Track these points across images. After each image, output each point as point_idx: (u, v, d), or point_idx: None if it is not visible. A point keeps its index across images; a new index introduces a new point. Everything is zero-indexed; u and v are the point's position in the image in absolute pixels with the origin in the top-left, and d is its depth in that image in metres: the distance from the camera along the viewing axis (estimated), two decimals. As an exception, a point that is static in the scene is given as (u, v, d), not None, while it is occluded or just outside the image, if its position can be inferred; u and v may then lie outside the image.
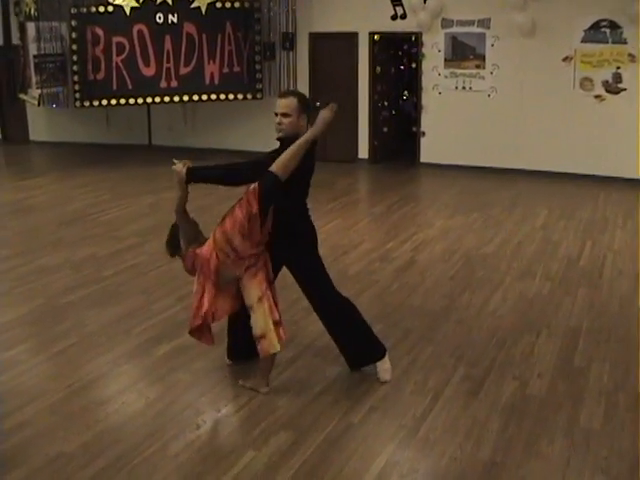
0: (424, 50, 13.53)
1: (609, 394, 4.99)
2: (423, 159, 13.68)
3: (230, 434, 4.58)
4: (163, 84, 13.32)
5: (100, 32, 12.79)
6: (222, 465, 4.20)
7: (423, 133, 13.62)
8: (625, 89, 12.66)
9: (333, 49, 14.05)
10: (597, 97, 12.80)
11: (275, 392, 5.05)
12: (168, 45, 13.19)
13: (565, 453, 4.32)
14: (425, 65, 13.54)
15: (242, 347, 5.34)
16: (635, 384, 5.16)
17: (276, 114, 4.98)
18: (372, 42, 13.73)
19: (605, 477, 4.10)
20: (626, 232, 9.03)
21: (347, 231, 9.15)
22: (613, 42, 12.62)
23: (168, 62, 13.25)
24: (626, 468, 4.18)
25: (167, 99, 13.46)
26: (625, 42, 12.50)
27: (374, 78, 13.86)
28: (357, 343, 5.25)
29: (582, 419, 4.70)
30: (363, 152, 14.13)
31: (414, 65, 13.73)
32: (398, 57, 14.24)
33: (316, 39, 14.08)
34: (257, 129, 14.51)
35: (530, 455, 4.30)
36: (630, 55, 12.54)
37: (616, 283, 7.20)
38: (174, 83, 13.38)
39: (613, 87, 12.79)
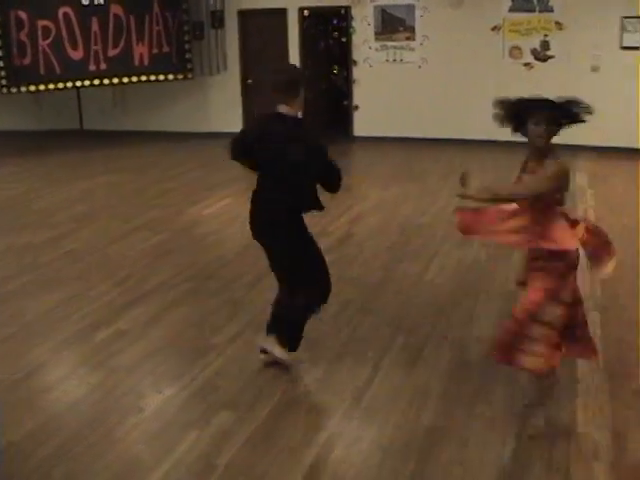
0: (354, 24, 13.55)
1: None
2: (357, 132, 13.74)
3: (173, 416, 4.56)
4: (92, 67, 13.07)
5: (24, 16, 12.45)
6: (165, 447, 4.19)
7: (356, 107, 13.67)
8: (553, 56, 12.85)
9: (263, 26, 13.99)
10: (526, 65, 12.98)
11: (216, 371, 5.05)
12: (95, 27, 12.94)
13: (506, 414, 4.42)
14: (355, 39, 13.56)
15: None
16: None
17: None
18: (302, 17, 13.71)
19: (545, 436, 4.20)
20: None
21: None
22: (540, 11, 12.79)
23: (96, 44, 13.01)
24: (562, 426, 4.31)
25: (97, 82, 13.22)
26: (552, 10, 12.69)
27: (304, 53, 13.84)
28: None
29: (522, 380, 4.76)
30: (297, 128, 14.09)
31: (344, 39, 13.74)
32: (328, 32, 14.23)
33: (245, 16, 14.00)
34: (190, 109, 14.41)
35: (472, 418, 4.39)
36: (557, 23, 12.72)
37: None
38: (103, 66, 13.15)
39: (541, 55, 12.97)
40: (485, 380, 4.81)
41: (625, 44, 12.79)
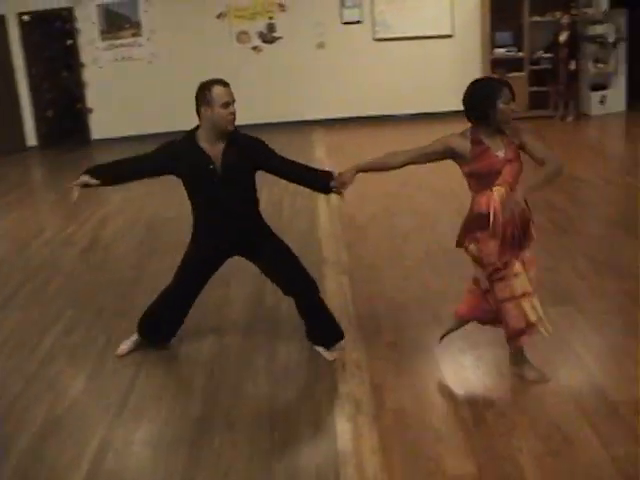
0: (79, 25, 13.20)
1: (302, 324, 5.20)
2: (95, 136, 13.44)
3: None
4: None
5: None
6: None
7: (90, 109, 13.33)
8: (280, 37, 13.20)
9: (-20, 36, 13.28)
10: (255, 48, 13.24)
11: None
12: None
13: (270, 390, 4.50)
14: (82, 40, 13.23)
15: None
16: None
17: (229, 103, 4.42)
18: (22, 23, 13.16)
19: (310, 402, 4.32)
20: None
21: (25, 223, 8.77)
22: (265, -7, 13.10)
23: None
24: (324, 389, 4.44)
25: None
26: (272, -7, 13.06)
27: (29, 61, 13.30)
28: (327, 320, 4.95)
29: (281, 355, 4.90)
30: (32, 139, 13.56)
31: (70, 41, 13.35)
32: (53, 35, 13.76)
33: (-42, 28, 13.23)
34: None
35: (238, 399, 4.42)
36: (280, 5, 13.10)
37: (295, 221, 7.56)
38: None
39: (268, 37, 13.27)
40: (247, 360, 4.87)
41: (346, 19, 13.35)
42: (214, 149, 4.51)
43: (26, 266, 7.12)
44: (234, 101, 4.45)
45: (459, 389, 4.35)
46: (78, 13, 13.22)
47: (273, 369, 4.73)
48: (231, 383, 4.62)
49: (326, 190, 4.68)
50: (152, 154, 4.71)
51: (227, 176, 4.52)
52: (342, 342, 4.89)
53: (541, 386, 4.28)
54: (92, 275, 6.68)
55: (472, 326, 5.03)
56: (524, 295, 4.15)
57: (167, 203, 8.84)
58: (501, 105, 4.04)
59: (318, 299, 4.89)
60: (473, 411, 4.10)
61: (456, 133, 4.22)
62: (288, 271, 4.80)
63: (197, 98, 4.44)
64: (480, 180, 4.14)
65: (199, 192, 4.67)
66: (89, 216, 8.68)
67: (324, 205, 8.24)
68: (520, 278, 4.15)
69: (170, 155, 4.65)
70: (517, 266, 4.14)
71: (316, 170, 4.79)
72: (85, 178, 4.62)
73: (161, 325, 5.08)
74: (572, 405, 4.05)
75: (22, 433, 4.30)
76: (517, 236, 4.13)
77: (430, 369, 4.60)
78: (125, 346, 5.11)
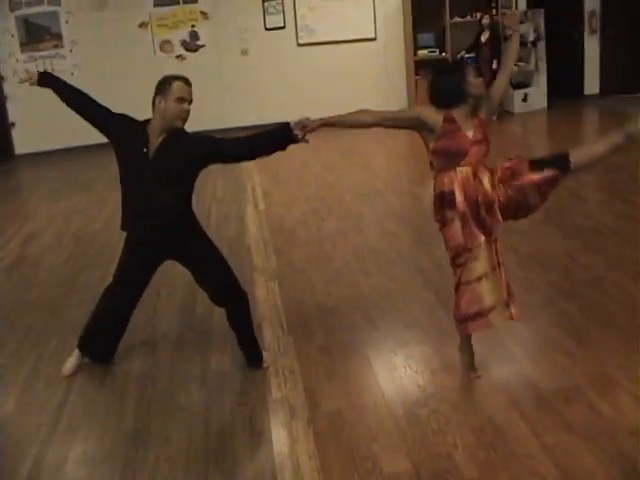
0: (-4, 37, 13.00)
1: (232, 333, 5.20)
2: (19, 151, 13.17)
3: None
4: None
5: None
6: None
7: (13, 124, 13.09)
8: (203, 45, 13.17)
9: None
10: (178, 57, 13.19)
11: None
12: None
13: (204, 400, 4.47)
14: (1, 52, 13.00)
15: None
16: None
17: (185, 99, 4.35)
18: None
19: (244, 409, 4.31)
20: (225, 180, 9.51)
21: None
22: (185, 2, 13.04)
23: None
24: (258, 396, 4.44)
25: None
26: (196, 1, 13.01)
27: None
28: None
29: (213, 364, 4.88)
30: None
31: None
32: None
33: None
34: None
35: (171, 412, 4.38)
36: (203, 13, 13.07)
37: (224, 228, 7.55)
38: None
39: (192, 45, 13.22)
40: (179, 371, 4.84)
41: (269, 26, 13.38)
42: (157, 140, 4.43)
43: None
44: (191, 101, 4.40)
45: (392, 388, 4.38)
46: (-4, 25, 13.00)
47: (206, 379, 4.70)
48: (164, 396, 4.58)
49: (288, 142, 4.48)
50: (107, 107, 4.67)
51: (157, 167, 4.41)
52: (266, 355, 4.87)
53: (472, 381, 4.35)
54: (20, 293, 6.54)
55: (401, 326, 5.11)
56: (480, 278, 4.15)
57: (93, 216, 8.75)
58: (472, 79, 4.09)
59: (248, 312, 4.84)
60: (406, 409, 4.14)
61: (430, 106, 4.19)
62: (218, 280, 4.74)
63: (156, 88, 4.40)
64: (446, 159, 4.10)
65: (129, 173, 4.55)
66: (15, 233, 8.50)
67: (253, 211, 8.25)
68: (480, 261, 4.13)
69: (120, 119, 4.60)
70: (478, 249, 4.12)
71: (270, 131, 4.57)
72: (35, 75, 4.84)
73: (101, 338, 5.00)
74: (503, 398, 4.13)
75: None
76: (482, 217, 4.09)
77: (362, 370, 4.63)
78: (70, 365, 4.98)
